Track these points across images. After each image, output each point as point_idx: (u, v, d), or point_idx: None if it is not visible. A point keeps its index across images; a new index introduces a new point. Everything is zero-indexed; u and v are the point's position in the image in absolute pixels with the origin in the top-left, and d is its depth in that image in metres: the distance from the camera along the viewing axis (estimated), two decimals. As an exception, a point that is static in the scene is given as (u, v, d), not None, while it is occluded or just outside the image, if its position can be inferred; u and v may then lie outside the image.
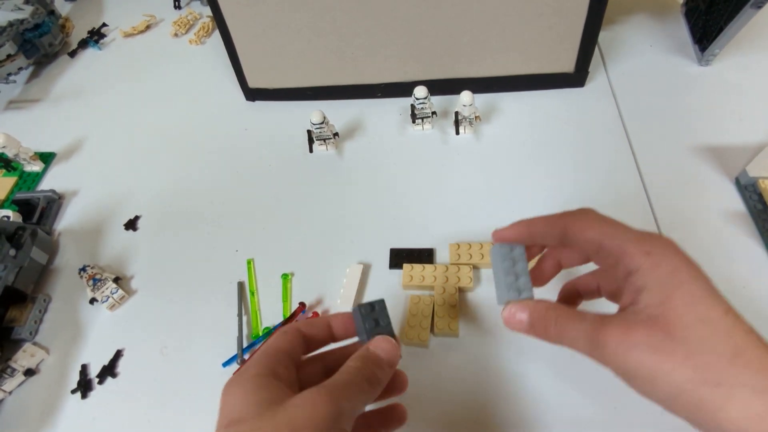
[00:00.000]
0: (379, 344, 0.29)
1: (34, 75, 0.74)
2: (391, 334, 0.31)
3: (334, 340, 0.32)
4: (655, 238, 0.26)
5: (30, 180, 0.60)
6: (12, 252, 0.46)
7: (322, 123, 0.53)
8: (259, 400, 0.25)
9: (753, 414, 0.21)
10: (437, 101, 0.58)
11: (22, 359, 0.44)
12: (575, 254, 0.32)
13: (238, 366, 0.42)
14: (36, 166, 0.61)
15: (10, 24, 0.68)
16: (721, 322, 0.23)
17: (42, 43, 0.72)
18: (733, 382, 0.21)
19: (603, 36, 0.62)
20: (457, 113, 0.54)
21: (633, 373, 0.24)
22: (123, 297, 0.48)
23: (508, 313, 0.29)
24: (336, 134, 0.56)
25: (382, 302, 0.32)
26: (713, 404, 0.21)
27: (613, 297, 0.31)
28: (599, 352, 0.25)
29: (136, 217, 0.54)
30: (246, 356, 0.43)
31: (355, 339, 0.32)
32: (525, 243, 0.32)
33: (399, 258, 0.47)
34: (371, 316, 0.31)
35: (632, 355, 0.23)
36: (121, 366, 0.44)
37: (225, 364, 0.42)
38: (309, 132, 0.55)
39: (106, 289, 0.47)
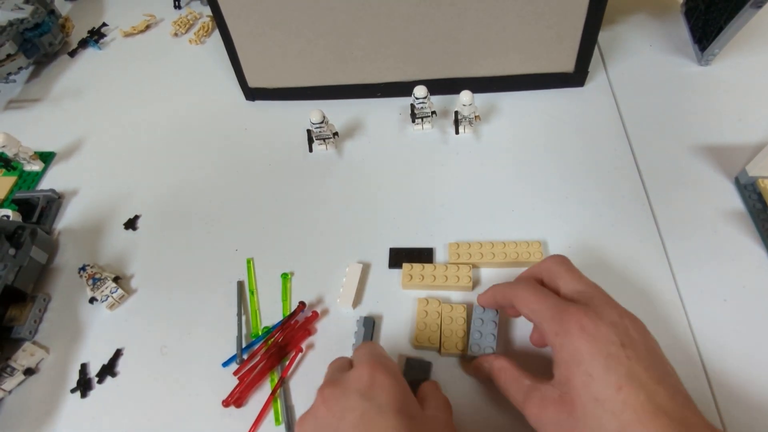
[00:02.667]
0: (433, 392, 0.36)
1: (34, 75, 0.74)
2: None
3: None
4: (566, 316, 0.30)
5: (30, 179, 0.60)
6: (12, 251, 0.46)
7: (321, 122, 0.53)
8: (414, 403, 0.32)
9: None
10: (437, 101, 0.58)
11: (22, 358, 0.44)
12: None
13: (237, 366, 0.42)
14: (36, 166, 0.61)
15: (10, 23, 0.68)
16: (611, 402, 0.26)
17: (42, 43, 0.72)
18: None
19: (603, 36, 0.62)
20: (456, 113, 0.54)
21: None
22: (123, 296, 0.48)
23: (476, 363, 0.37)
24: (336, 134, 0.56)
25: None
26: None
27: None
28: (528, 418, 0.31)
29: (136, 217, 0.55)
30: (245, 356, 0.43)
31: None
32: (495, 308, 0.39)
33: (398, 257, 0.47)
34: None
35: (540, 424, 0.30)
36: (121, 365, 0.44)
37: (225, 364, 0.42)
38: (309, 131, 0.55)
39: (106, 288, 0.47)
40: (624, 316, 0.30)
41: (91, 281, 0.48)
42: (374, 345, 0.36)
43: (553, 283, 0.34)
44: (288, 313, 0.45)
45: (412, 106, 0.54)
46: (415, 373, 0.39)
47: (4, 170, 0.61)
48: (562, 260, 0.35)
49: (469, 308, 0.42)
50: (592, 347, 0.28)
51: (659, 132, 0.53)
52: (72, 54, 0.76)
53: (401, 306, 0.44)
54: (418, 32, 0.54)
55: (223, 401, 0.40)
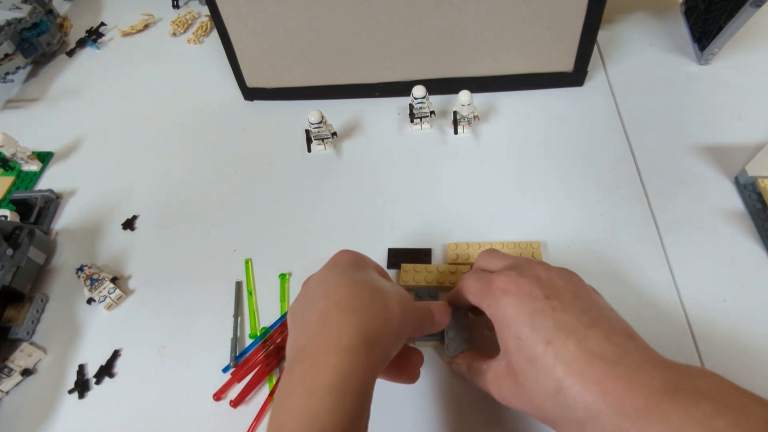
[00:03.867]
0: (437, 307, 0.35)
1: (32, 74, 0.74)
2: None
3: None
4: (490, 285, 0.30)
5: (27, 179, 0.60)
6: (9, 252, 0.46)
7: (320, 122, 0.53)
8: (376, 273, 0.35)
9: None
10: (436, 101, 0.58)
11: (19, 359, 0.44)
12: None
13: (232, 368, 0.42)
14: (34, 166, 0.60)
15: (8, 23, 0.68)
16: (543, 359, 0.26)
17: (40, 43, 0.71)
18: (560, 418, 0.26)
19: (602, 35, 0.62)
20: (455, 113, 0.54)
21: (514, 408, 0.30)
22: (120, 297, 0.48)
23: (453, 365, 0.36)
24: (334, 134, 0.56)
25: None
26: None
27: None
28: (493, 396, 0.31)
29: (134, 217, 0.54)
30: (239, 361, 0.42)
31: None
32: (459, 306, 0.38)
33: (397, 257, 0.46)
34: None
35: (505, 401, 0.30)
36: (119, 366, 0.44)
37: (225, 370, 0.42)
38: (307, 131, 0.55)
39: (104, 288, 0.47)
40: (551, 269, 0.30)
41: (88, 282, 0.48)
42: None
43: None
44: (284, 313, 0.44)
45: (411, 106, 0.54)
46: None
47: (1, 170, 0.61)
48: (489, 251, 0.36)
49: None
50: (515, 308, 0.28)
51: (659, 131, 0.53)
52: (70, 54, 0.76)
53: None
54: (417, 32, 0.53)
55: (214, 395, 0.41)
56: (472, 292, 0.32)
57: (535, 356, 0.26)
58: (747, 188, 0.46)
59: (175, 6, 0.80)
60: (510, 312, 0.28)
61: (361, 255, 0.37)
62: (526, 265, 0.31)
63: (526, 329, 0.27)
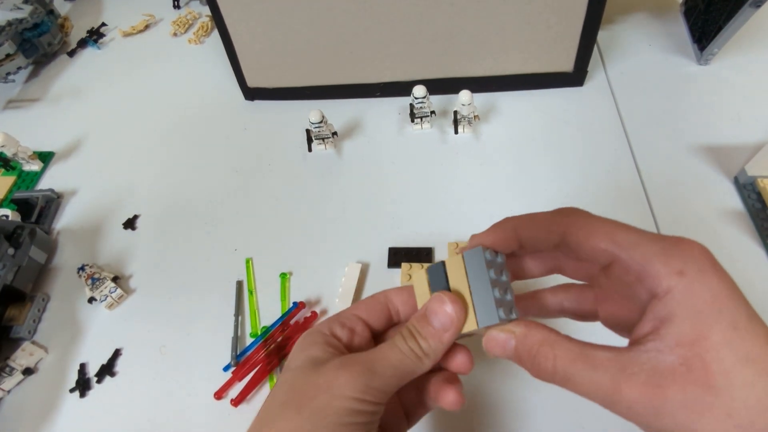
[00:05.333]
0: (433, 308, 0.25)
1: (33, 74, 0.74)
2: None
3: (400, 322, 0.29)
4: (686, 249, 0.21)
5: (29, 179, 0.60)
6: (11, 251, 0.46)
7: (320, 122, 0.53)
8: (307, 356, 0.26)
9: None
10: (436, 100, 0.58)
11: (21, 358, 0.44)
12: (579, 266, 0.26)
13: (233, 367, 0.42)
14: (35, 166, 0.61)
15: (9, 23, 0.68)
16: (765, 359, 0.19)
17: (41, 43, 0.72)
18: None
19: (602, 35, 0.62)
20: (456, 112, 0.54)
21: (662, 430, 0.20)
22: (121, 296, 0.48)
23: (491, 339, 0.24)
24: (335, 133, 0.56)
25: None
26: None
27: (619, 326, 0.25)
28: (621, 411, 0.20)
29: (135, 216, 0.54)
30: (240, 360, 0.42)
31: None
32: (511, 250, 0.25)
33: (398, 257, 0.47)
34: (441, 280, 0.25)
35: (663, 417, 0.19)
36: (120, 365, 0.44)
37: (225, 369, 0.42)
38: (308, 131, 0.55)
39: (105, 288, 0.47)
40: None
41: (90, 281, 0.48)
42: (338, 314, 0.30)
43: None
44: (284, 312, 0.45)
45: (412, 106, 0.54)
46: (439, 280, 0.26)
47: (3, 170, 0.61)
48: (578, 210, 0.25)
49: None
50: (732, 290, 0.20)
51: (659, 131, 0.53)
52: (71, 54, 0.76)
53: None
54: (417, 32, 0.53)
55: (215, 394, 0.41)
56: (633, 243, 0.22)
57: (755, 355, 0.19)
58: (746, 188, 0.46)
59: (176, 6, 0.80)
60: (726, 292, 0.20)
61: (298, 349, 0.28)
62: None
63: (746, 318, 0.20)
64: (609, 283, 0.24)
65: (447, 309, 0.25)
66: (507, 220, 0.25)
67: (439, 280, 0.26)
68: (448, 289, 0.25)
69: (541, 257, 0.27)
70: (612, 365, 0.20)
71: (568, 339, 0.22)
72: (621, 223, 0.23)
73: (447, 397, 0.27)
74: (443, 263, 0.26)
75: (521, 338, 0.23)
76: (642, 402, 0.19)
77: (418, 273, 0.27)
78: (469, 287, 0.24)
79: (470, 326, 0.24)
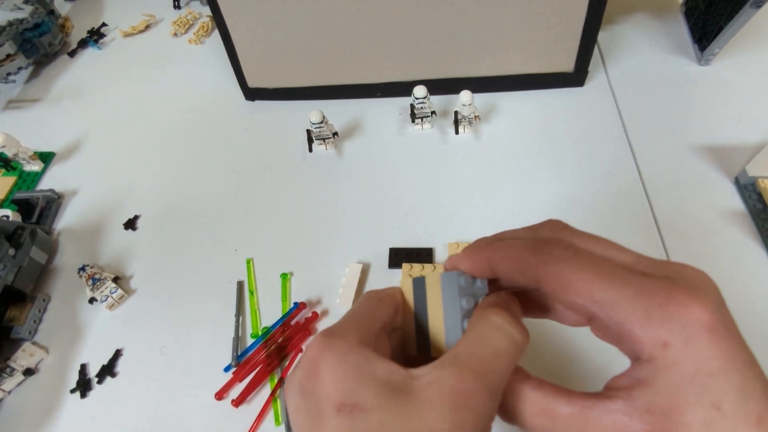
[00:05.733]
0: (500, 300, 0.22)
1: (33, 75, 0.74)
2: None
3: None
4: (676, 313, 0.18)
5: (29, 179, 0.60)
6: (11, 251, 0.46)
7: (321, 122, 0.53)
8: (377, 381, 0.19)
9: None
10: (437, 101, 0.58)
11: (22, 359, 0.44)
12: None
13: (234, 368, 0.42)
14: (35, 166, 0.61)
15: (10, 23, 0.68)
16: None
17: (41, 43, 0.72)
18: None
19: (602, 35, 0.62)
20: (456, 113, 0.54)
21: None
22: (122, 296, 0.48)
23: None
24: (335, 134, 0.56)
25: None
26: None
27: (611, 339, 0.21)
28: None
29: (136, 217, 0.54)
30: (240, 361, 0.42)
31: None
32: (488, 278, 0.23)
33: (398, 257, 0.47)
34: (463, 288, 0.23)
35: None
36: (121, 366, 0.44)
37: (226, 369, 0.42)
38: (308, 131, 0.55)
39: (106, 288, 0.47)
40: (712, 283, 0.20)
41: (90, 281, 0.48)
42: (355, 314, 0.23)
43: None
44: (285, 313, 0.45)
45: (412, 106, 0.54)
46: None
47: (3, 170, 0.61)
48: (563, 225, 0.23)
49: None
50: (727, 360, 0.17)
51: (659, 132, 0.53)
52: (71, 54, 0.76)
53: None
54: (417, 32, 0.53)
55: (216, 394, 0.41)
56: (612, 302, 0.18)
57: None
58: (747, 188, 0.46)
59: (176, 6, 0.80)
60: (717, 367, 0.17)
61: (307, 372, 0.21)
62: (690, 275, 0.20)
63: (734, 399, 0.17)
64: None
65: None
66: (482, 248, 0.23)
67: (420, 294, 0.25)
68: (426, 305, 0.24)
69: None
70: (574, 424, 0.19)
71: (534, 386, 0.20)
72: (604, 270, 0.19)
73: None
74: (424, 279, 0.25)
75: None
76: None
77: (406, 280, 0.26)
78: (443, 310, 0.23)
79: (439, 350, 0.23)
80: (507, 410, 0.20)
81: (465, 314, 0.22)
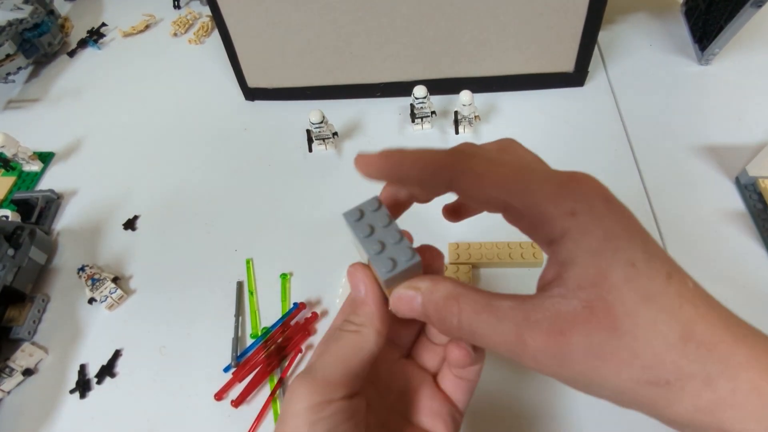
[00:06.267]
0: (350, 282, 0.24)
1: (33, 74, 0.74)
2: (407, 257, 0.22)
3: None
4: (576, 187, 0.20)
5: (29, 180, 0.60)
6: (10, 252, 0.46)
7: (321, 122, 0.53)
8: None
9: (703, 406, 0.18)
10: (437, 101, 0.58)
11: (21, 359, 0.44)
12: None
13: (233, 368, 0.42)
14: (35, 166, 0.60)
15: (10, 23, 0.68)
16: (666, 296, 0.18)
17: (41, 43, 0.72)
18: (682, 375, 0.18)
19: (603, 35, 0.62)
20: (456, 113, 0.54)
21: (570, 381, 0.19)
22: (122, 297, 0.48)
23: (398, 298, 0.23)
24: (335, 134, 0.56)
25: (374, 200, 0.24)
26: (662, 401, 0.18)
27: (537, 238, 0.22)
28: (527, 362, 0.19)
29: (135, 217, 0.54)
30: (240, 361, 0.42)
31: None
32: (391, 183, 0.25)
33: (398, 258, 0.46)
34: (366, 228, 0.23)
35: (568, 365, 0.19)
36: (120, 366, 0.44)
37: (226, 370, 0.42)
38: (308, 131, 0.55)
39: (105, 288, 0.47)
40: None
41: (90, 282, 0.48)
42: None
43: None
44: (284, 313, 0.44)
45: (412, 106, 0.54)
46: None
47: (3, 170, 0.61)
48: (472, 143, 0.24)
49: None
50: (627, 225, 0.19)
51: (659, 132, 0.53)
52: (71, 54, 0.76)
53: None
54: (418, 32, 0.53)
55: (215, 394, 0.41)
56: (524, 188, 0.20)
57: (654, 292, 0.18)
58: (748, 188, 0.46)
59: (176, 6, 0.80)
60: (620, 229, 0.19)
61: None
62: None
63: (642, 255, 0.19)
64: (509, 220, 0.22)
65: (352, 272, 0.25)
66: (393, 151, 0.23)
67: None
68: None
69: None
70: (516, 314, 0.19)
71: (475, 290, 0.21)
72: (512, 164, 0.21)
73: (452, 354, 0.24)
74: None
75: (427, 294, 0.22)
76: (545, 351, 0.19)
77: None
78: (362, 247, 0.23)
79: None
80: (449, 323, 0.21)
81: (381, 235, 0.23)
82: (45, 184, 0.60)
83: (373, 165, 0.24)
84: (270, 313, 0.45)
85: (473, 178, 0.21)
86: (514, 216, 0.21)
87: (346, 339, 0.24)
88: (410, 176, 0.23)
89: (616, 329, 0.18)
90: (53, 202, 0.56)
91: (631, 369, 0.18)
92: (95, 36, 0.77)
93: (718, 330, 0.18)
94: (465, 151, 0.22)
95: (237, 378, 0.41)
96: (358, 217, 0.23)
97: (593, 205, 0.19)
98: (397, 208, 0.27)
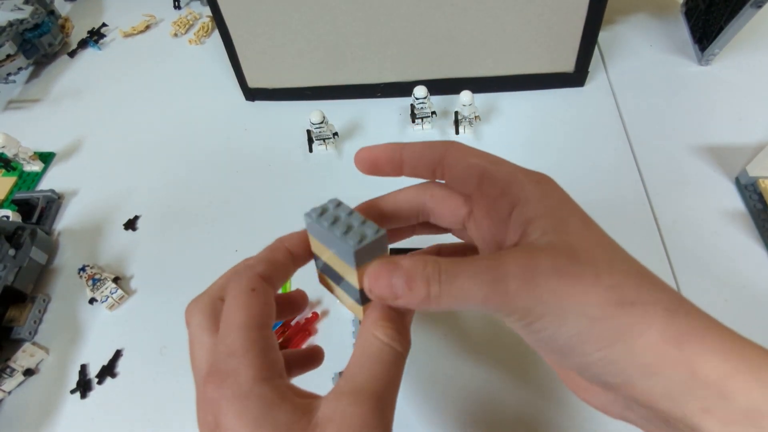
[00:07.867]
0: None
1: (33, 75, 0.74)
2: (373, 230, 0.23)
3: (296, 266, 0.28)
4: (538, 172, 0.25)
5: (29, 180, 0.60)
6: (11, 252, 0.46)
7: (321, 123, 0.53)
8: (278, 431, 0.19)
9: (669, 337, 0.18)
10: (437, 101, 0.58)
11: (22, 359, 0.44)
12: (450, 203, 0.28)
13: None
14: (35, 166, 0.61)
15: (10, 24, 0.68)
16: (617, 247, 0.21)
17: (42, 43, 0.72)
18: (646, 299, 0.19)
19: (603, 36, 0.62)
20: (456, 113, 0.54)
21: (541, 308, 0.19)
22: (122, 297, 0.48)
23: (374, 278, 0.22)
24: (335, 134, 0.56)
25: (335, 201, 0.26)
26: (631, 330, 0.18)
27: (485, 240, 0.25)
28: (501, 294, 0.19)
29: (136, 217, 0.54)
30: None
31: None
32: (396, 168, 0.28)
33: (398, 258, 0.46)
34: (330, 218, 0.24)
35: (539, 284, 0.19)
36: (121, 366, 0.44)
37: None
38: (308, 132, 0.55)
39: (106, 289, 0.47)
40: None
41: (90, 282, 0.48)
42: (235, 322, 0.23)
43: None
44: (288, 314, 0.45)
45: (412, 107, 0.54)
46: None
47: (3, 171, 0.61)
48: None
49: None
50: (563, 196, 0.24)
51: (659, 132, 0.53)
52: (72, 54, 0.76)
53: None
54: (418, 32, 0.53)
55: None
56: (494, 161, 0.25)
57: (608, 242, 0.22)
58: (748, 188, 0.46)
59: (177, 7, 0.80)
60: (568, 197, 0.24)
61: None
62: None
63: (593, 221, 0.23)
64: (480, 202, 0.25)
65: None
66: (395, 146, 0.28)
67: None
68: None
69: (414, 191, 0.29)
70: (489, 257, 0.21)
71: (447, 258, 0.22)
72: (490, 154, 0.26)
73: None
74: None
75: (409, 266, 0.21)
76: (517, 273, 0.20)
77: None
78: (326, 246, 0.25)
79: (350, 277, 0.24)
80: (432, 287, 0.21)
81: (339, 222, 0.25)
82: (46, 184, 0.60)
83: (379, 154, 0.28)
84: (270, 313, 0.45)
85: (462, 149, 0.26)
86: (486, 184, 0.25)
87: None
88: (412, 157, 0.27)
89: (576, 256, 0.20)
90: (54, 202, 0.56)
91: (596, 288, 0.19)
92: (95, 36, 0.77)
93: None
94: (452, 142, 0.27)
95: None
96: (320, 212, 0.25)
97: (551, 182, 0.25)
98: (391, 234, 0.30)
